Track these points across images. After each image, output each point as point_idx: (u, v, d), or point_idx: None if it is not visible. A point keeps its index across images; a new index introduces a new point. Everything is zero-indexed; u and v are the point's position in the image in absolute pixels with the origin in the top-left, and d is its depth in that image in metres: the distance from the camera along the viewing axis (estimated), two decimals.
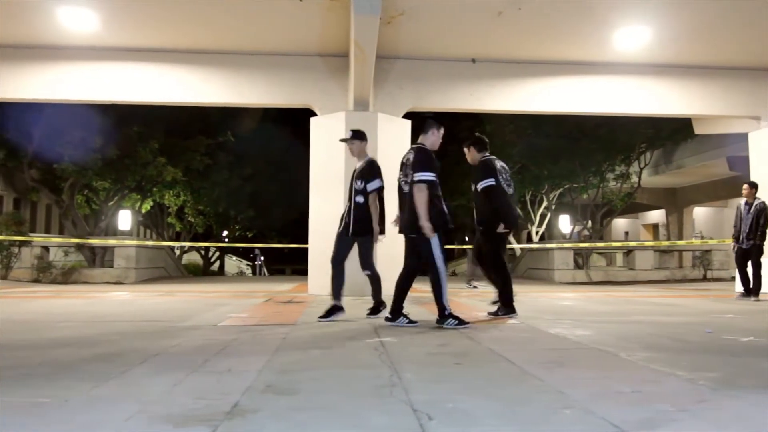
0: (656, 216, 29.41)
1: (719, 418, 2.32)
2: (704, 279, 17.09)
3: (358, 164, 6.00)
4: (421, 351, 3.92)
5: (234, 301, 8.51)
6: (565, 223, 21.80)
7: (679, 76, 11.00)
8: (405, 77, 10.43)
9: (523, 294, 10.17)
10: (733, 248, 9.14)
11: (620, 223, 32.64)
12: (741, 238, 8.99)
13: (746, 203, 9.06)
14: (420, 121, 5.70)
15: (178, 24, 9.41)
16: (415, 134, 10.20)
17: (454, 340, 4.40)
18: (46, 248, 15.67)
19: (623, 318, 6.27)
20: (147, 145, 16.15)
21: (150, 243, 19.30)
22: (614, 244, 19.93)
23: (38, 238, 15.80)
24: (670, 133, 18.01)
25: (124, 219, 19.02)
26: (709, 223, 26.42)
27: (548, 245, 18.05)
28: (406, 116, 10.37)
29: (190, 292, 10.97)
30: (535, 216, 23.40)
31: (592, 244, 18.12)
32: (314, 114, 10.35)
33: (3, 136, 14.67)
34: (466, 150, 6.43)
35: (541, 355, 3.78)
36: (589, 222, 20.60)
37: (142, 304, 7.99)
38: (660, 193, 26.38)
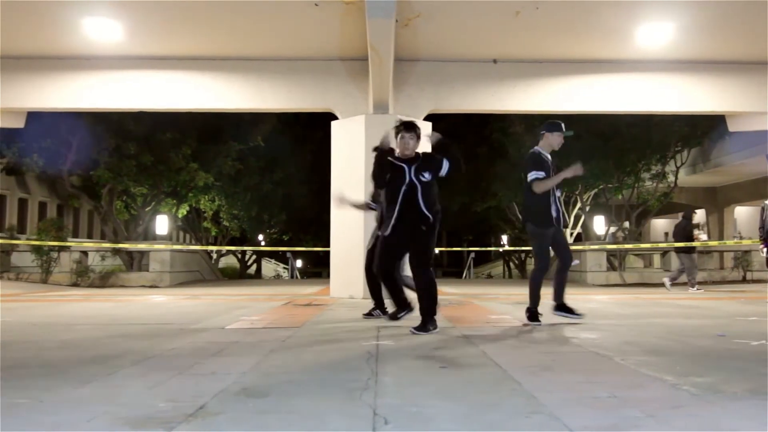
0: (697, 216, 28.57)
1: (686, 426, 2.25)
2: (743, 280, 16.56)
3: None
4: (412, 354, 3.91)
5: (254, 304, 8.62)
6: (599, 224, 21.38)
7: (709, 72, 10.66)
8: (425, 79, 10.38)
9: (547, 297, 10.02)
10: (763, 251, 8.84)
11: (660, 224, 31.84)
12: None
13: None
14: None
15: (201, 31, 9.57)
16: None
17: (452, 343, 4.37)
18: (85, 253, 16.13)
19: (638, 320, 6.13)
20: (180, 151, 16.49)
21: (182, 247, 19.68)
22: (642, 246, 19.43)
23: (74, 243, 16.25)
24: (706, 131, 17.50)
25: (161, 224, 19.45)
26: (751, 222, 25.54)
27: (579, 246, 17.72)
28: (427, 118, 10.32)
29: (216, 295, 11.15)
30: (569, 217, 23.03)
31: (621, 246, 17.69)
32: (335, 118, 10.40)
33: (42, 144, 15.16)
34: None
35: (533, 359, 3.73)
36: (626, 222, 20.15)
37: (165, 307, 8.16)
38: (699, 193, 25.65)
